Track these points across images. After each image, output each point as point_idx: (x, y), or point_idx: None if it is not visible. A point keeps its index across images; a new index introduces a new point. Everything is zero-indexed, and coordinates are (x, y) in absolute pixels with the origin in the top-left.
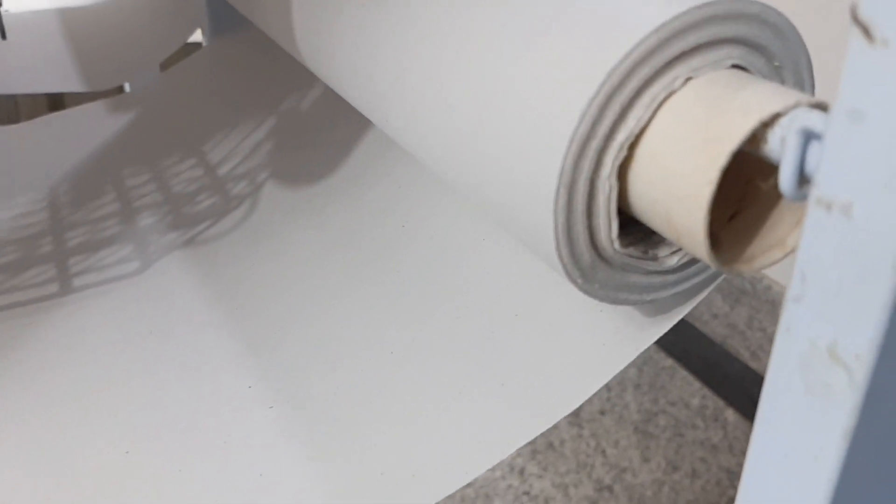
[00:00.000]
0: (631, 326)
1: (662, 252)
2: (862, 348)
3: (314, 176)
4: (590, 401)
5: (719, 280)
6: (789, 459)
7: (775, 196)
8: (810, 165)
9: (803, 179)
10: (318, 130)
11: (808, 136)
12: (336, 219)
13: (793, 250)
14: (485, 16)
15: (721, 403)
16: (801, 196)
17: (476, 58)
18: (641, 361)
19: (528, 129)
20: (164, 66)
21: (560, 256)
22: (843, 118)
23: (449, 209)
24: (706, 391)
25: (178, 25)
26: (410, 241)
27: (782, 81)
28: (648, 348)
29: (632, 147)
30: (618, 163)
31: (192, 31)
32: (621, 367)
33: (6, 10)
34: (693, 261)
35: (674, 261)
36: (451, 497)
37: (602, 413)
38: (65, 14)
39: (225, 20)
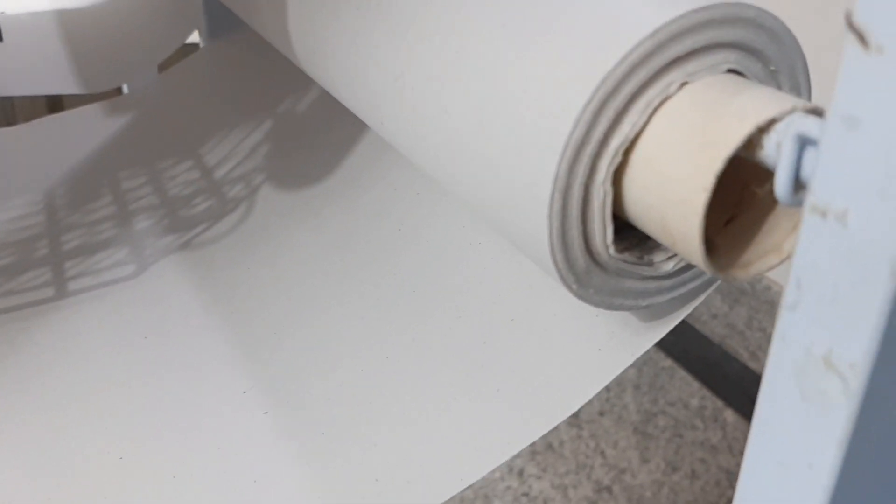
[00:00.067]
0: (627, 331)
1: (658, 257)
2: (857, 356)
3: (310, 179)
4: (589, 402)
5: (715, 285)
6: (784, 467)
7: (771, 201)
8: (806, 171)
9: (799, 185)
10: (314, 133)
11: (804, 142)
12: (332, 222)
13: (789, 256)
14: (479, 21)
15: (720, 404)
16: (797, 202)
17: (470, 62)
18: (640, 362)
19: (522, 134)
20: (162, 67)
21: (555, 262)
22: (839, 124)
23: (445, 212)
24: (705, 391)
25: (176, 27)
26: (407, 244)
27: (778, 86)
28: (647, 350)
29: (627, 152)
30: (613, 168)
31: (189, 33)
32: (618, 371)
33: (3, 12)
34: (688, 266)
35: (669, 266)
36: (450, 498)
37: (601, 414)
38: (62, 16)
39: (222, 22)
